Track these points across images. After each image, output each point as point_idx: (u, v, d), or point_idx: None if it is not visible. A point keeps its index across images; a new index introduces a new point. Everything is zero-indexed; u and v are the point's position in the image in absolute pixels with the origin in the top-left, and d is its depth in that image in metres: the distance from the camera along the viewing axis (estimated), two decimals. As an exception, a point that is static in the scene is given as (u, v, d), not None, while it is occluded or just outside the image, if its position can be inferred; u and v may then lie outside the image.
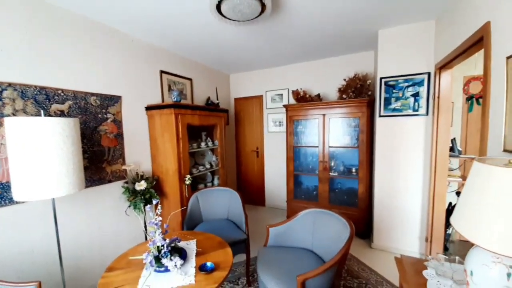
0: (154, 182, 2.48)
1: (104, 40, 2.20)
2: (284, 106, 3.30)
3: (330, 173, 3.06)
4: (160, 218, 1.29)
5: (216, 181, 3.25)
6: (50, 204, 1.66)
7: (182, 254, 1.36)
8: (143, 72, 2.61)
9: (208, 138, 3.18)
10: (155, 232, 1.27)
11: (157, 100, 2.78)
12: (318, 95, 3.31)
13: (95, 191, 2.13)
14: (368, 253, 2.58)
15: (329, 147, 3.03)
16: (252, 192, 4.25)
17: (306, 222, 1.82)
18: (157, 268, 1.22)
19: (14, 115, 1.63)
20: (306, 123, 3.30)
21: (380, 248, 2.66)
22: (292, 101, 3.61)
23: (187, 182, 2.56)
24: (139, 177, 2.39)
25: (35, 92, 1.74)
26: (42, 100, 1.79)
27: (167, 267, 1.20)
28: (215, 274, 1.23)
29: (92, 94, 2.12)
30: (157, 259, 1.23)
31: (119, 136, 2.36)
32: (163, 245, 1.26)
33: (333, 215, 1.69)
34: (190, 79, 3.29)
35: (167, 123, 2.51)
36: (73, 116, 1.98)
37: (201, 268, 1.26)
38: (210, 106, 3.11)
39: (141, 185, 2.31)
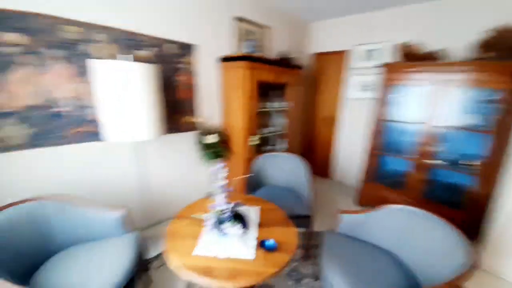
0: (222, 138, 2.46)
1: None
2: (384, 65, 2.51)
3: (432, 161, 2.34)
4: (226, 181, 1.17)
5: (281, 145, 3.04)
6: (135, 145, 1.82)
7: (243, 221, 1.25)
8: (219, 19, 2.39)
9: (278, 98, 2.88)
10: (218, 195, 1.17)
11: (231, 52, 2.57)
12: (432, 53, 2.37)
13: (171, 139, 2.26)
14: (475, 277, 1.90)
15: (437, 126, 2.25)
16: (317, 162, 3.89)
17: (394, 219, 1.41)
18: (218, 231, 1.16)
19: (104, 59, 1.72)
20: (410, 90, 2.50)
21: (493, 272, 1.97)
22: (389, 60, 2.76)
23: (253, 143, 2.43)
24: (208, 131, 2.41)
25: (123, 37, 1.79)
26: (129, 46, 1.83)
27: (227, 233, 1.12)
28: (277, 255, 1.07)
29: (171, 42, 2.07)
30: (218, 222, 1.16)
31: (193, 87, 2.34)
32: (225, 209, 1.16)
33: (443, 224, 1.21)
34: (267, 28, 2.89)
35: (238, 77, 2.31)
36: (154, 63, 2.00)
37: (262, 244, 1.12)
38: (284, 61, 2.70)
39: (210, 139, 2.32)
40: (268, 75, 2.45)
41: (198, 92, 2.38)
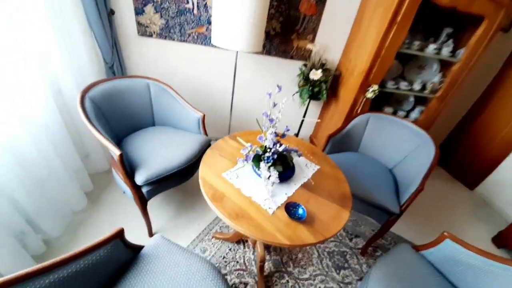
0: (327, 78, 1.98)
1: None
2: None
3: None
4: (278, 116, 0.91)
5: (415, 115, 2.13)
6: (235, 55, 1.78)
7: (288, 171, 1.02)
8: None
9: (450, 40, 1.79)
10: (267, 128, 0.95)
11: None
12: None
13: (275, 62, 2.06)
14: None
15: None
16: (468, 162, 2.57)
17: None
18: (252, 167, 1.01)
19: None
20: None
21: None
22: None
23: (369, 95, 1.80)
24: (319, 64, 1.98)
25: None
26: None
27: (260, 173, 0.95)
28: (299, 228, 0.82)
29: None
30: (257, 157, 0.99)
31: (321, 2, 1.83)
32: (270, 148, 0.95)
33: None
34: None
35: (389, -10, 1.54)
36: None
37: (288, 207, 0.88)
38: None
39: (316, 75, 1.92)
40: None
41: (325, 9, 1.86)
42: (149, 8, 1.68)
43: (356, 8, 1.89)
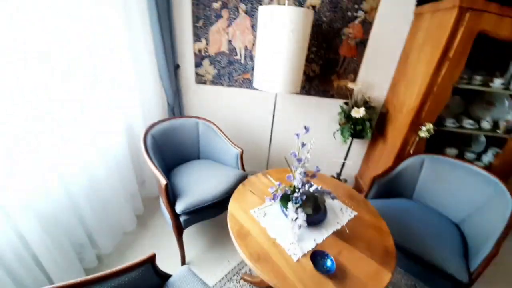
0: (372, 116, 1.88)
1: None
2: None
3: None
4: (307, 156, 0.91)
5: (488, 158, 1.78)
6: (274, 96, 1.91)
7: (318, 215, 0.96)
8: None
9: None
10: (296, 168, 0.95)
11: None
12: None
13: (314, 101, 2.10)
14: None
15: None
16: None
17: None
18: (280, 206, 0.99)
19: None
20: None
21: None
22: None
23: (422, 134, 1.62)
24: (361, 102, 1.93)
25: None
26: (302, -6, 1.74)
27: (287, 214, 0.92)
28: (325, 284, 0.73)
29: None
30: (286, 197, 0.97)
31: (361, 44, 1.87)
32: (299, 188, 0.93)
33: None
34: None
35: (437, 28, 1.47)
36: (323, 12, 1.78)
37: (315, 256, 0.80)
38: None
39: (358, 112, 1.86)
40: (504, 25, 1.32)
41: (367, 50, 1.89)
42: (206, 62, 2.01)
43: (400, 48, 1.85)
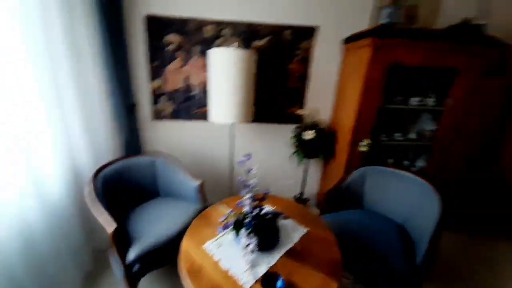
0: (321, 137, 2.07)
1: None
2: None
3: None
4: (253, 178, 0.97)
5: (421, 163, 2.06)
6: (231, 127, 2.01)
7: (270, 238, 0.99)
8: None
9: (433, 93, 1.90)
10: (244, 193, 1.00)
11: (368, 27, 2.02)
12: None
13: (269, 128, 2.25)
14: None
15: None
16: (508, 210, 2.24)
17: None
18: (234, 235, 1.01)
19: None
20: None
21: None
22: None
23: (362, 148, 1.83)
24: (311, 126, 2.13)
25: (243, 29, 1.94)
26: (248, 37, 1.97)
27: (240, 242, 0.94)
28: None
29: (287, 28, 1.97)
30: (238, 224, 1.00)
31: (304, 77, 2.13)
32: (247, 213, 0.97)
33: None
34: (432, -13, 1.93)
35: (359, 61, 1.78)
36: (268, 52, 2.02)
37: (266, 279, 0.82)
38: (456, 34, 1.68)
39: (308, 135, 2.04)
40: (411, 56, 1.66)
41: (309, 82, 2.15)
42: (163, 98, 2.07)
43: (336, 78, 2.15)
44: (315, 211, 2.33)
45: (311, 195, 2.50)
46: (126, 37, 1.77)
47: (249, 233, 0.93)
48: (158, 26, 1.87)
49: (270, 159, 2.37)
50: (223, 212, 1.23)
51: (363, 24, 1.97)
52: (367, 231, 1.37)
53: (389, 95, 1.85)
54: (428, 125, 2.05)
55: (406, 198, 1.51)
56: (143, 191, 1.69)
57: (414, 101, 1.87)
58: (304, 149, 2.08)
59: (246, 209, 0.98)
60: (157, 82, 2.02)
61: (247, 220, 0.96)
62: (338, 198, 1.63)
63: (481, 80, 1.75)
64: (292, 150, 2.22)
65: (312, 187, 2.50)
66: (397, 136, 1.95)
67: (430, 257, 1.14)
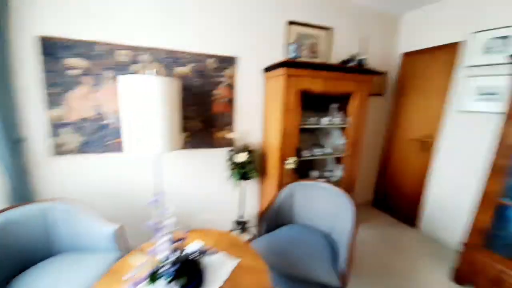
0: (253, 158, 2.14)
1: (222, -12, 1.95)
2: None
3: None
4: (173, 219, 0.88)
5: (339, 173, 2.36)
6: (154, 158, 1.84)
7: (195, 281, 0.90)
8: (266, 27, 2.16)
9: (340, 112, 2.26)
10: (158, 237, 0.89)
11: (279, 60, 2.27)
12: None
13: (202, 153, 2.18)
14: None
15: None
16: (400, 202, 2.80)
17: None
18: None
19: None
20: None
21: None
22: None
23: (288, 166, 1.97)
24: (242, 148, 2.17)
25: (163, 56, 1.87)
26: (169, 63, 1.91)
27: (158, 294, 0.81)
28: None
29: (210, 56, 2.02)
30: (153, 276, 0.87)
31: (230, 102, 2.19)
32: (167, 260, 0.86)
33: None
34: (328, 29, 2.39)
35: (276, 88, 1.97)
36: (192, 79, 2.00)
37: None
38: (347, 66, 2.10)
39: (240, 157, 2.06)
40: (319, 84, 1.94)
41: (236, 106, 2.21)
42: (67, 130, 1.73)
43: (262, 102, 2.30)
44: (252, 234, 2.31)
45: (253, 216, 2.49)
46: (9, 61, 1.45)
47: (170, 282, 0.82)
48: (55, 48, 1.61)
49: (206, 185, 2.27)
50: (135, 263, 1.05)
51: (278, 56, 2.22)
52: (299, 246, 1.43)
53: (305, 116, 2.10)
54: (339, 140, 2.41)
55: (328, 207, 1.68)
56: (32, 251, 1.31)
57: (325, 121, 2.17)
58: (238, 171, 2.08)
59: (163, 255, 0.86)
60: (56, 111, 1.69)
61: (164, 269, 0.84)
62: (273, 217, 1.67)
63: (367, 99, 2.20)
64: (228, 173, 2.19)
65: (254, 207, 2.50)
66: (317, 151, 2.20)
67: (350, 262, 1.26)
